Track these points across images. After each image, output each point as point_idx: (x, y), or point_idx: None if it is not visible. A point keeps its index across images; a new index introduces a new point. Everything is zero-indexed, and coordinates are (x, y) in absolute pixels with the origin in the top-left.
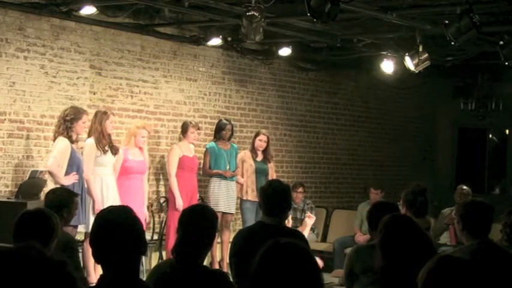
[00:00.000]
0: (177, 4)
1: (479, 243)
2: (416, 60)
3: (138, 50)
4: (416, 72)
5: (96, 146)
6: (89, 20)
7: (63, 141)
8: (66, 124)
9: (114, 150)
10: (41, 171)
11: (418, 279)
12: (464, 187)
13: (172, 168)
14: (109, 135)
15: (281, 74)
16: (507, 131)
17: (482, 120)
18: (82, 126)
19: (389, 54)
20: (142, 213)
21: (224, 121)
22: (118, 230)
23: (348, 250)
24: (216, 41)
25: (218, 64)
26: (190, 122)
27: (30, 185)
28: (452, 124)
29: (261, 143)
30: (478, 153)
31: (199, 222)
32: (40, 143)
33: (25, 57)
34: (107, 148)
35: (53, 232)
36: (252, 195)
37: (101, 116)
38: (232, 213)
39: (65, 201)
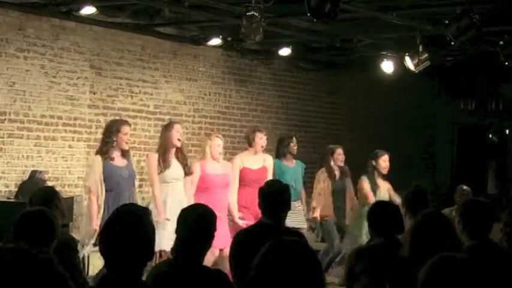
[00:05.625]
0: (177, 4)
1: (480, 243)
2: (416, 60)
3: (138, 50)
4: (416, 72)
5: (158, 161)
6: (89, 20)
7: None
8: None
9: (185, 168)
10: (41, 171)
11: (419, 277)
12: (465, 187)
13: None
14: (178, 148)
15: (281, 74)
16: (507, 131)
17: (482, 120)
18: (123, 139)
19: (389, 54)
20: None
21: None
22: (128, 236)
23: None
24: (216, 41)
25: (218, 64)
26: (257, 129)
27: (30, 185)
28: (452, 124)
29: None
30: (478, 153)
31: (199, 222)
32: (40, 143)
33: (25, 57)
34: (170, 163)
35: (53, 232)
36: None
37: (164, 128)
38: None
39: (50, 192)
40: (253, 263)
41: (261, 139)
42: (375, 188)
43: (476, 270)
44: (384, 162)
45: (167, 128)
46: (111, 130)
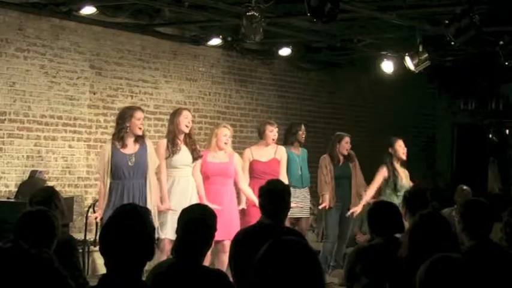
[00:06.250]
0: (177, 4)
1: (480, 243)
2: (416, 60)
3: (138, 50)
4: (416, 72)
5: (167, 145)
6: (89, 20)
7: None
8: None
9: (196, 154)
10: (41, 171)
11: (417, 278)
12: (465, 187)
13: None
14: (187, 134)
15: (281, 74)
16: (507, 131)
17: (482, 120)
18: (137, 124)
19: (389, 54)
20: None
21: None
22: (128, 236)
23: (348, 250)
24: (216, 41)
25: (218, 64)
26: (268, 122)
27: (30, 185)
28: (452, 124)
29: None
30: (478, 153)
31: (199, 221)
32: (40, 143)
33: (25, 57)
34: (179, 148)
35: (54, 232)
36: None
37: (173, 112)
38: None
39: (50, 192)
40: (252, 263)
41: (271, 132)
42: (395, 177)
43: (473, 270)
44: (400, 147)
45: (175, 114)
46: (125, 116)
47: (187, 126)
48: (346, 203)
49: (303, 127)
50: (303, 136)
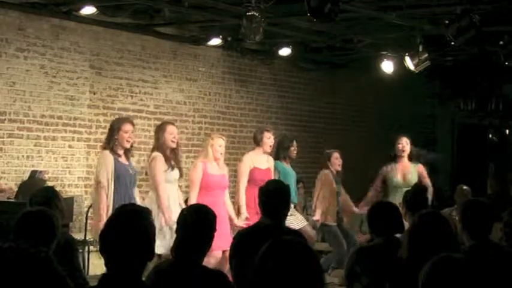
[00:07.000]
0: (177, 4)
1: (480, 243)
2: (416, 60)
3: (138, 50)
4: (416, 72)
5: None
6: (89, 20)
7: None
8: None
9: (180, 171)
10: (41, 171)
11: (419, 278)
12: (465, 187)
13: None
14: (173, 149)
15: (281, 74)
16: (507, 131)
17: (482, 120)
18: (124, 137)
19: (389, 54)
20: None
21: (288, 136)
22: (128, 236)
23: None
24: (216, 41)
25: (218, 64)
26: (265, 128)
27: (30, 185)
28: (452, 124)
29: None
30: (478, 153)
31: (199, 222)
32: (40, 143)
33: (25, 57)
34: (172, 163)
35: (54, 232)
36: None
37: (158, 128)
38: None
39: (50, 192)
40: (253, 263)
41: (268, 139)
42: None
43: (476, 271)
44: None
45: (160, 130)
46: (114, 128)
47: (173, 142)
48: (341, 219)
49: (294, 143)
50: (295, 152)
